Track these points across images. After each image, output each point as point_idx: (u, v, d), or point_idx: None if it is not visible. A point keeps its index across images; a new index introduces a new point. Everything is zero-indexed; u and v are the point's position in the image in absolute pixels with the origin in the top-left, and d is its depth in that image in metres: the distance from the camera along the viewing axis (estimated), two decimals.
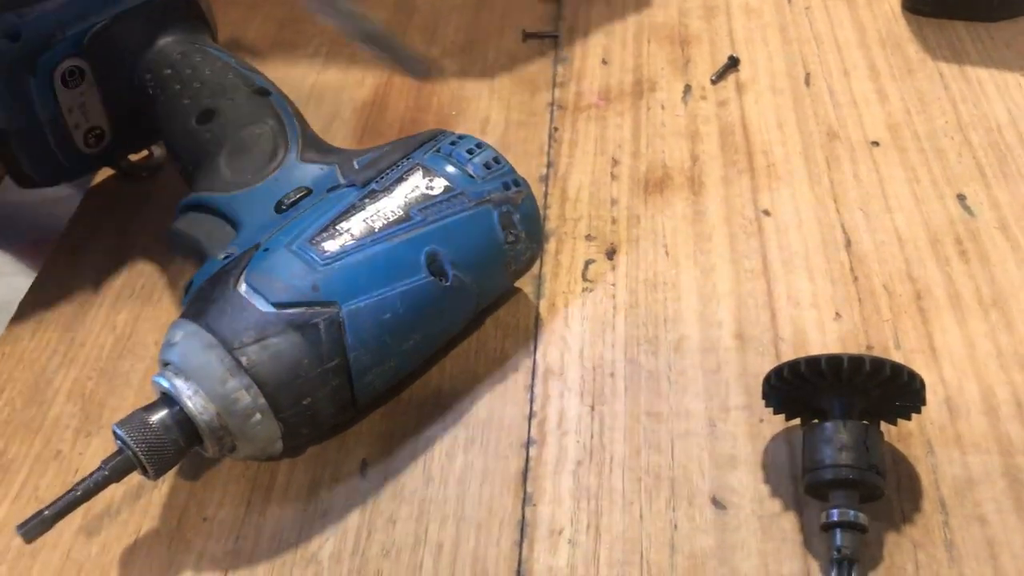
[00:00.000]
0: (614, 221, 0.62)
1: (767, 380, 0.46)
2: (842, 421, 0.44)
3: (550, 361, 0.53)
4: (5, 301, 0.61)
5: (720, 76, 0.72)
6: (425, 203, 0.50)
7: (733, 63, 0.73)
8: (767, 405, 0.47)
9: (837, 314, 0.54)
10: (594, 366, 0.53)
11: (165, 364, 0.45)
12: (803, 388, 0.45)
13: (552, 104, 0.72)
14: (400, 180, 0.50)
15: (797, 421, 0.48)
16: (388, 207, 0.49)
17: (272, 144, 0.55)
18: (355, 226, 0.48)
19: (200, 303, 0.46)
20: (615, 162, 0.66)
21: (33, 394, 0.54)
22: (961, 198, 0.61)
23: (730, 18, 0.78)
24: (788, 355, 0.52)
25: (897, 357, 0.51)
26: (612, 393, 0.51)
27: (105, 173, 0.69)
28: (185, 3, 0.61)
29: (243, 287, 0.45)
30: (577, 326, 0.55)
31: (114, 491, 0.47)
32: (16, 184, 0.61)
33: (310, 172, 0.53)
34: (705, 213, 0.61)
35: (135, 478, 0.44)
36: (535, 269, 0.58)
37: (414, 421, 0.51)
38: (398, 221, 0.49)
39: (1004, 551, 0.43)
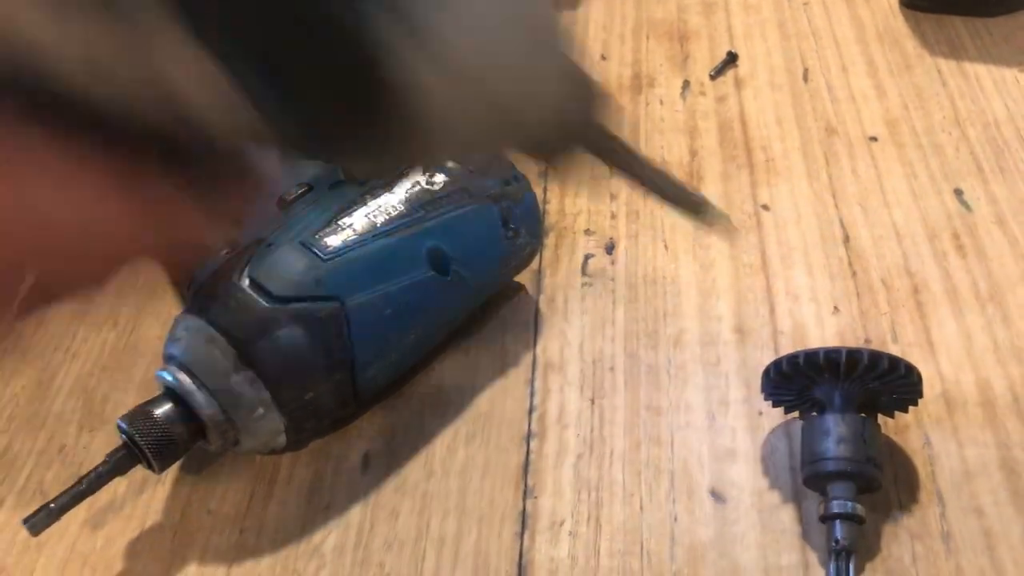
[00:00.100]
0: (613, 216, 0.62)
1: (766, 373, 0.47)
2: (840, 414, 0.44)
3: (550, 355, 0.54)
4: None
5: (719, 72, 0.73)
6: (426, 199, 0.50)
7: (732, 59, 0.74)
8: (766, 398, 0.48)
9: (835, 308, 0.55)
10: (594, 360, 0.53)
11: (169, 358, 0.46)
12: (802, 381, 0.45)
13: None
14: (401, 176, 0.51)
15: (796, 414, 0.48)
16: (389, 203, 0.49)
17: None
18: (357, 221, 0.48)
19: (203, 298, 0.46)
20: None
21: (36, 390, 0.54)
22: (958, 193, 0.61)
23: (729, 14, 0.79)
24: (787, 349, 0.52)
25: (895, 351, 0.52)
26: (612, 387, 0.52)
27: None
28: None
29: (246, 282, 0.46)
30: (577, 320, 0.55)
31: (118, 485, 0.47)
32: None
33: (311, 169, 0.53)
34: None
35: (139, 472, 0.44)
36: (535, 264, 0.58)
37: (415, 416, 0.51)
38: (399, 216, 0.49)
39: (1001, 542, 0.43)
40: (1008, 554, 0.43)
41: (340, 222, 0.48)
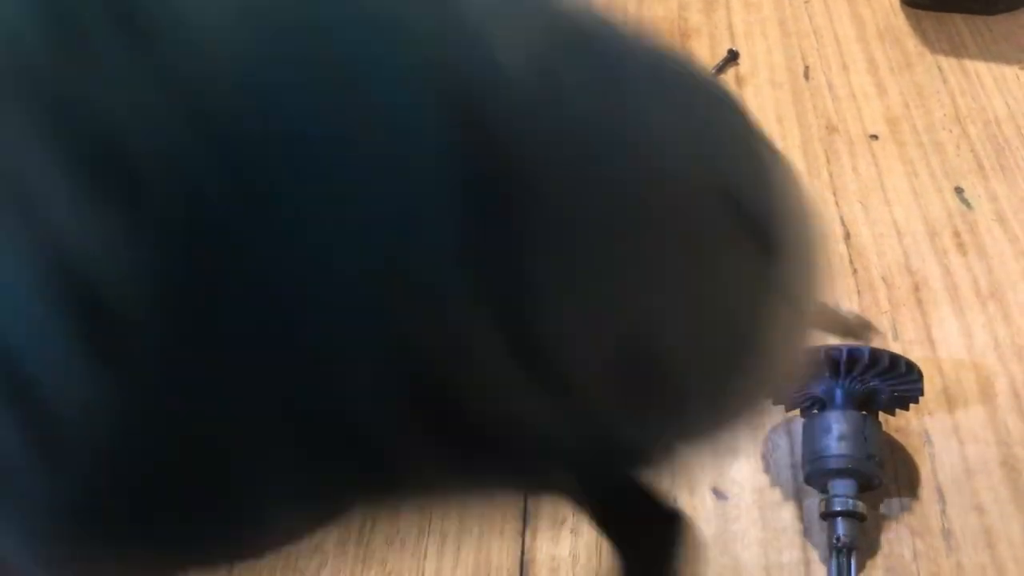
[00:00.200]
0: None
1: None
2: (841, 411, 0.44)
3: None
4: None
5: (720, 69, 0.73)
6: None
7: (733, 57, 0.74)
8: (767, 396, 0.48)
9: (836, 305, 0.55)
10: None
11: None
12: (803, 379, 0.45)
13: None
14: None
15: (797, 412, 0.48)
16: None
17: None
18: None
19: None
20: None
21: None
22: (959, 191, 0.61)
23: (729, 12, 0.79)
24: None
25: (895, 348, 0.52)
26: None
27: None
28: None
29: None
30: None
31: None
32: None
33: None
34: None
35: None
36: None
37: None
38: None
39: (1001, 539, 0.43)
40: (1008, 551, 0.43)
41: None
